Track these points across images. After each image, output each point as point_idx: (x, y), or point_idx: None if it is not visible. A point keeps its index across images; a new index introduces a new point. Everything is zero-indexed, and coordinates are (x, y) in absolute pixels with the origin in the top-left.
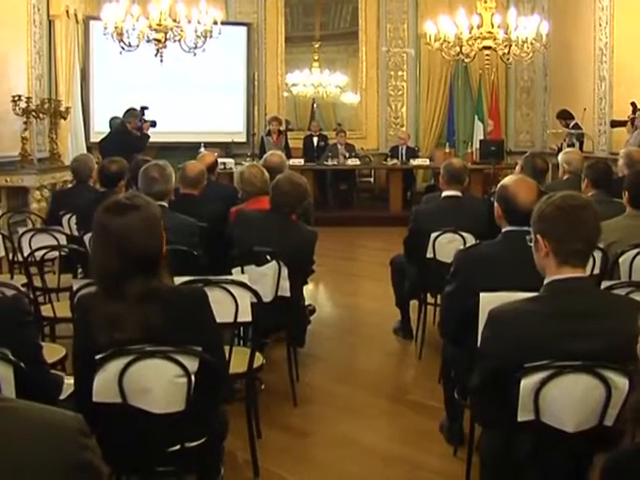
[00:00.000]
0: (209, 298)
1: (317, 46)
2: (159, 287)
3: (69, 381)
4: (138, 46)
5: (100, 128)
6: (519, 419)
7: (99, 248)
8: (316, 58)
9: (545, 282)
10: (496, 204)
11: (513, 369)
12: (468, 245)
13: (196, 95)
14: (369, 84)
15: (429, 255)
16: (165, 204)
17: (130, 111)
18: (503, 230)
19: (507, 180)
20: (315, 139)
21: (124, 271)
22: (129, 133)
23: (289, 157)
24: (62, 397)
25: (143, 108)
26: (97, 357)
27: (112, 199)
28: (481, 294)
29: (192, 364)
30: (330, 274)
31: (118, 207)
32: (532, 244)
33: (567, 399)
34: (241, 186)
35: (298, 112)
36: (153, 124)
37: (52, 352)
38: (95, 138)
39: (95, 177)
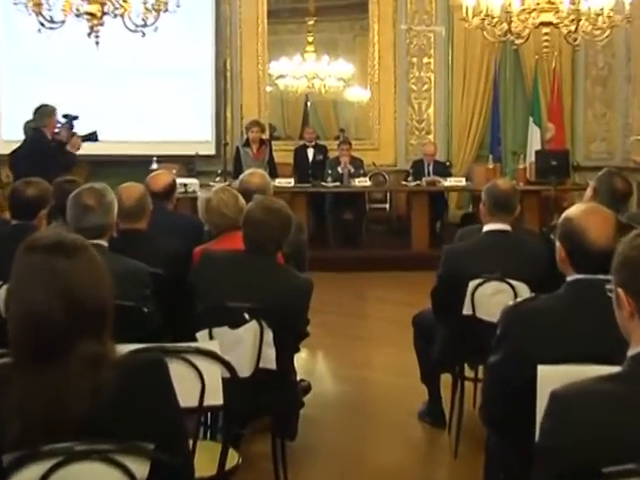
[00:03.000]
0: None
1: (312, 23)
2: (106, 354)
3: None
4: (64, 22)
5: (10, 136)
6: None
7: (32, 297)
8: (310, 40)
9: (629, 354)
10: (558, 242)
11: (588, 475)
12: (520, 299)
13: (146, 91)
14: (383, 75)
15: (466, 312)
16: (104, 243)
17: (41, 109)
18: (568, 279)
19: (574, 209)
20: (310, 151)
21: (69, 328)
22: (48, 142)
23: (274, 176)
24: None
25: (71, 118)
26: (5, 459)
27: (46, 235)
28: (539, 367)
29: (142, 468)
30: (331, 337)
31: (63, 246)
32: (612, 298)
33: None
34: (208, 217)
35: (286, 114)
36: (91, 137)
37: None
38: (4, 149)
39: (3, 204)
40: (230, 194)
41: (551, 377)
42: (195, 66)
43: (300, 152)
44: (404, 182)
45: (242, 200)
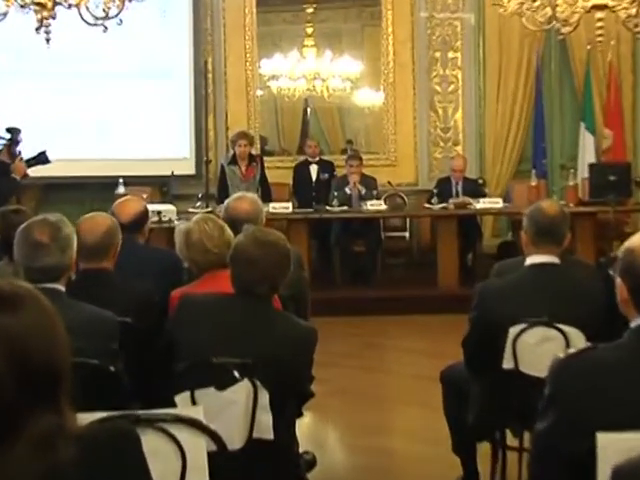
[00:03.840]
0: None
1: (311, 11)
2: (64, 426)
3: None
4: (6, 14)
5: None
6: None
7: None
8: (310, 32)
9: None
10: (619, 278)
11: None
12: (574, 349)
13: (109, 99)
14: (399, 74)
15: (507, 365)
16: (60, 288)
17: None
18: (632, 324)
19: (637, 239)
20: (312, 169)
21: (16, 401)
22: None
23: (268, 200)
24: None
25: (15, 132)
26: None
27: None
28: (599, 435)
29: None
30: (340, 398)
31: (2, 298)
32: None
33: None
34: (188, 253)
35: (282, 124)
36: (40, 159)
37: None
38: None
39: None
40: (214, 224)
41: (613, 447)
42: (169, 67)
43: (300, 170)
44: (427, 205)
45: (229, 232)
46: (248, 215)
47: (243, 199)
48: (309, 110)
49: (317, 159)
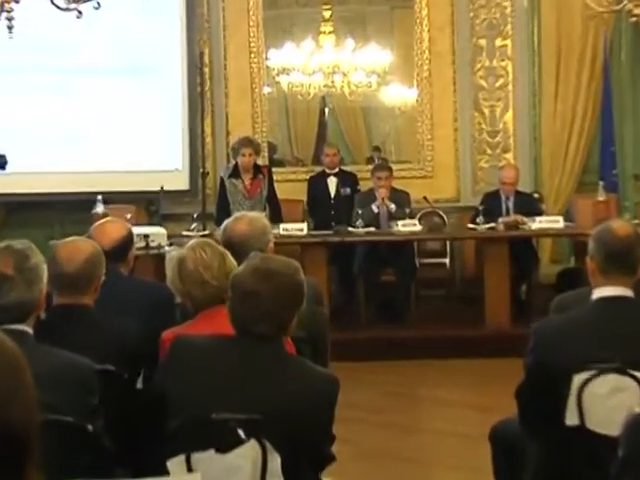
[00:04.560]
0: None
1: None
2: None
3: None
4: None
5: None
6: None
7: None
8: (327, 15)
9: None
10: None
11: None
12: None
13: (85, 100)
14: (436, 66)
15: (571, 421)
16: (27, 329)
17: None
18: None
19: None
20: (331, 182)
21: None
22: None
23: (278, 220)
24: None
25: None
26: None
27: None
28: None
29: None
30: (367, 461)
31: None
32: None
33: None
34: (181, 287)
35: (294, 127)
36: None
37: None
38: None
39: None
40: (213, 251)
41: None
42: (156, 60)
43: (317, 183)
44: (471, 225)
45: (231, 260)
46: (244, 238)
47: (241, 219)
48: (327, 110)
49: (337, 170)
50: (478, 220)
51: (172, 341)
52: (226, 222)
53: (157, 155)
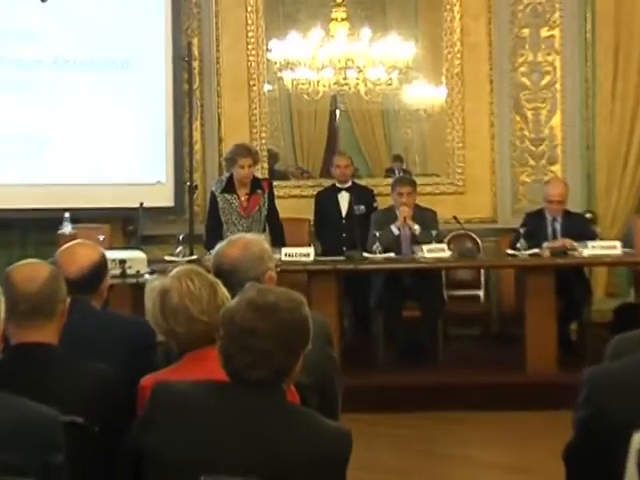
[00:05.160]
0: None
1: None
2: None
3: None
4: None
5: None
6: None
7: None
8: (339, 0)
9: None
10: None
11: None
12: None
13: (48, 99)
14: (470, 61)
15: None
16: None
17: None
18: None
19: None
20: (343, 198)
21: None
22: None
23: (280, 243)
24: None
25: None
26: None
27: None
28: None
29: None
30: None
31: None
32: None
33: None
34: (164, 323)
35: (299, 133)
36: None
37: None
38: None
39: None
40: (202, 281)
41: None
42: (135, 52)
43: (326, 199)
44: (511, 251)
45: (224, 292)
46: (238, 265)
47: (235, 242)
48: (338, 113)
49: (349, 184)
50: (519, 245)
51: (152, 389)
52: (218, 246)
53: (136, 165)
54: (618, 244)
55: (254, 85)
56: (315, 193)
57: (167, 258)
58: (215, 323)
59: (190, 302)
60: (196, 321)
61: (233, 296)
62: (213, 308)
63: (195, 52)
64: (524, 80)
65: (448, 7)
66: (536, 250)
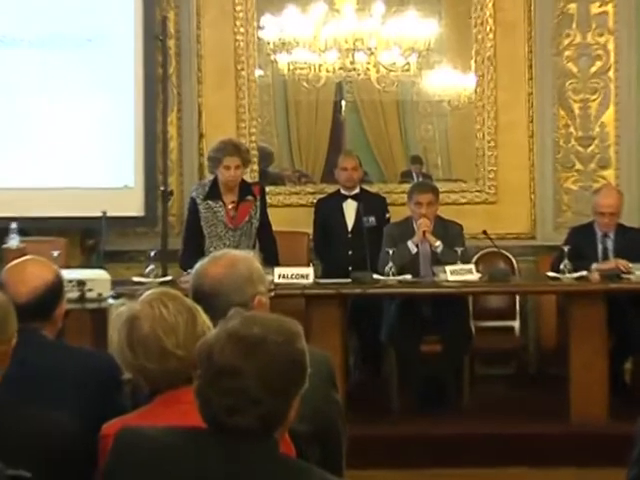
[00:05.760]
0: None
1: None
2: None
3: None
4: None
5: None
6: None
7: None
8: None
9: None
10: None
11: None
12: None
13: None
14: (504, 43)
15: None
16: None
17: None
18: None
19: None
20: (349, 207)
21: None
22: None
23: (272, 262)
24: None
25: None
26: None
27: None
28: None
29: None
30: None
31: None
32: None
33: None
34: (132, 358)
35: (297, 128)
36: None
37: None
38: None
39: None
40: (179, 307)
41: None
42: (100, 28)
43: (329, 209)
44: (552, 274)
45: (204, 319)
46: (220, 287)
47: (219, 260)
48: (344, 104)
49: (357, 191)
50: (562, 266)
51: (116, 437)
52: (199, 264)
53: (98, 165)
54: None
55: (242, 70)
56: (315, 201)
57: (135, 279)
58: (193, 358)
59: (163, 333)
60: (170, 356)
61: (215, 325)
62: (191, 340)
63: (171, 29)
64: (570, 66)
65: None
66: (583, 273)
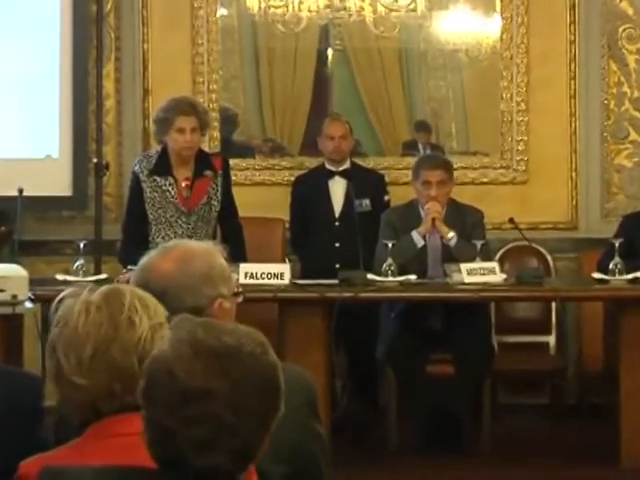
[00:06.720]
0: None
1: None
2: None
3: None
4: None
5: None
6: None
7: None
8: None
9: None
10: None
11: None
12: None
13: None
14: None
15: None
16: None
17: None
18: None
19: None
20: (336, 186)
21: None
22: None
23: (239, 258)
24: None
25: None
26: None
27: None
28: None
29: None
30: None
31: None
32: None
33: None
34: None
35: (270, 84)
36: None
37: None
38: None
39: None
40: (116, 310)
41: None
42: None
43: (311, 189)
44: (599, 275)
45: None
46: (165, 285)
47: (170, 252)
48: (331, 54)
49: (347, 165)
50: (612, 265)
51: (37, 477)
52: (144, 258)
53: (12, 131)
54: None
55: (200, 8)
56: (293, 179)
57: (59, 277)
58: (136, 375)
59: (102, 338)
60: (115, 366)
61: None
62: (139, 352)
63: None
64: (624, 6)
65: None
66: (638, 274)
